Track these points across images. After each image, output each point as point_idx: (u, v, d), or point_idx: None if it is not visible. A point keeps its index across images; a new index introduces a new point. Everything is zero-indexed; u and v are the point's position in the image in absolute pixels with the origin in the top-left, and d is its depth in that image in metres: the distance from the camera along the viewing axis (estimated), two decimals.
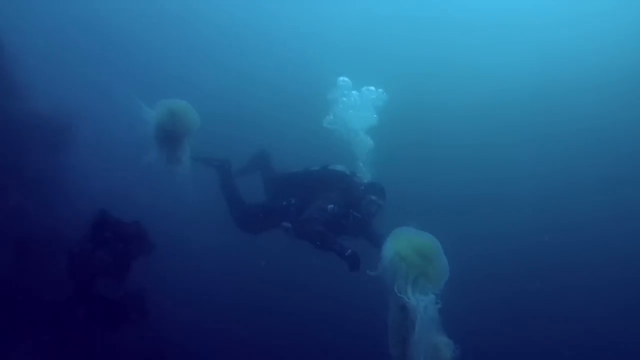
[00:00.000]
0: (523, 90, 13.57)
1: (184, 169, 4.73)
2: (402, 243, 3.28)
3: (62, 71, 11.32)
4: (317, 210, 5.09)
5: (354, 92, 6.99)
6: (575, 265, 10.52)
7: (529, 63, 13.87)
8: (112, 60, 12.76)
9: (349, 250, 4.53)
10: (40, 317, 4.88)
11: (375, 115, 6.95)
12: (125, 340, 5.07)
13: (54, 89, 9.03)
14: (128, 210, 5.34)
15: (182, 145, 4.74)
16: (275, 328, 8.34)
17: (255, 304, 8.65)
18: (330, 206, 5.15)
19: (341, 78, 7.04)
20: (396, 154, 10.51)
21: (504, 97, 13.69)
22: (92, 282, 4.29)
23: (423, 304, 3.15)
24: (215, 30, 14.96)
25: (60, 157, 7.51)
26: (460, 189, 12.27)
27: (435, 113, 13.41)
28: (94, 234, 4.37)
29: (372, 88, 7.04)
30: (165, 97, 5.03)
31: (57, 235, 5.36)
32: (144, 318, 4.79)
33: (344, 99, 6.92)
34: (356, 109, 6.81)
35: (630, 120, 12.28)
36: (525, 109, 13.40)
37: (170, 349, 6.27)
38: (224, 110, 11.88)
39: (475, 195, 12.25)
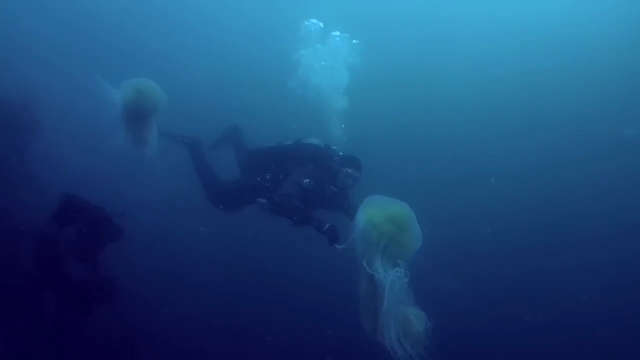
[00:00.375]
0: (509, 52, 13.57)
1: (152, 150, 4.63)
2: (375, 211, 3.21)
3: (25, 57, 10.98)
4: (293, 185, 5.02)
5: (318, 45, 6.46)
6: (554, 245, 10.68)
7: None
8: (78, 44, 12.38)
9: (328, 225, 4.47)
10: (12, 305, 4.78)
11: (345, 72, 6.47)
12: (96, 325, 5.01)
13: (17, 74, 8.81)
14: (97, 194, 5.25)
15: (150, 125, 4.64)
16: (250, 312, 8.33)
17: (230, 289, 8.61)
18: (306, 181, 5.07)
19: (311, 21, 6.44)
20: (372, 120, 10.53)
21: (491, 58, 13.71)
22: (58, 264, 4.20)
23: (392, 275, 3.11)
24: None
25: (26, 143, 7.34)
26: (440, 160, 12.32)
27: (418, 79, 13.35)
28: (59, 216, 4.25)
29: (338, 34, 6.41)
30: (131, 77, 4.97)
31: (24, 221, 5.24)
32: (113, 303, 4.72)
33: (303, 52, 6.43)
34: (325, 66, 6.32)
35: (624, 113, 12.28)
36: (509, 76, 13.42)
37: (141, 334, 6.21)
38: (193, 84, 11.73)
39: (454, 165, 12.32)
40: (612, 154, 11.90)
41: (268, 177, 5.48)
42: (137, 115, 4.53)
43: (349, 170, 5.32)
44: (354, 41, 6.55)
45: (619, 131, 11.73)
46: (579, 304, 9.35)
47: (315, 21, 6.50)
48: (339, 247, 4.07)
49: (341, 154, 5.52)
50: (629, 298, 9.20)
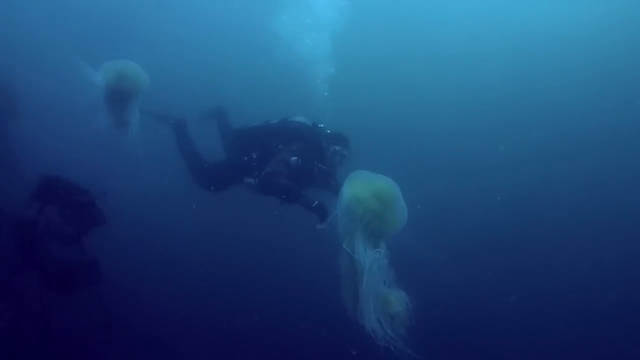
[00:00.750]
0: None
1: (133, 131, 4.62)
2: (360, 186, 3.15)
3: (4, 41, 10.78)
4: (280, 163, 4.96)
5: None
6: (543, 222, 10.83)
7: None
8: (59, 24, 12.15)
9: (316, 202, 4.42)
10: None
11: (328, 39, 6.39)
12: (78, 308, 5.01)
13: None
14: (80, 178, 5.22)
15: (131, 107, 4.62)
16: (236, 301, 8.33)
17: (213, 272, 8.57)
18: (293, 158, 5.01)
19: None
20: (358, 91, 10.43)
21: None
22: (38, 244, 4.19)
23: (372, 255, 3.08)
24: None
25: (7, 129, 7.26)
26: (429, 135, 12.27)
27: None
28: (38, 196, 4.23)
29: None
30: (114, 58, 4.93)
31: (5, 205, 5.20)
32: (96, 285, 4.72)
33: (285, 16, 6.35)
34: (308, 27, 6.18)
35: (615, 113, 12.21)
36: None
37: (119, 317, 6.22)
38: (174, 62, 11.62)
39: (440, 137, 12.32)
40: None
41: (255, 157, 5.40)
42: (119, 98, 4.52)
43: (337, 148, 5.28)
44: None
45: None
46: (570, 281, 9.44)
47: None
48: (320, 225, 4.11)
49: (329, 131, 5.47)
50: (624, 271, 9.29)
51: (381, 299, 3.12)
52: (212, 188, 5.77)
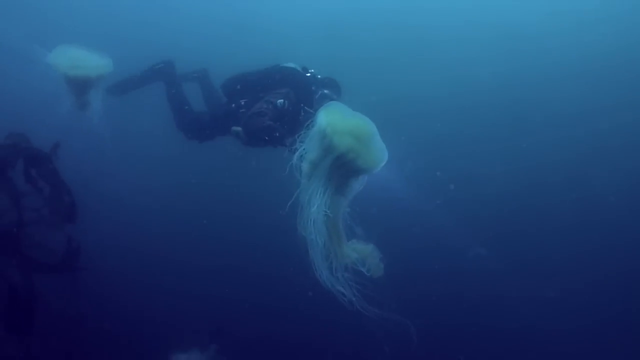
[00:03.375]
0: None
1: (95, 113, 4.68)
2: (337, 117, 2.91)
3: None
4: (265, 104, 4.79)
5: None
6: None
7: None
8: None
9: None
10: None
11: None
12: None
13: None
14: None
15: (90, 89, 4.67)
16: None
17: (196, 260, 8.63)
18: (280, 101, 4.83)
19: None
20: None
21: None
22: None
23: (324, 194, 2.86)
24: None
25: None
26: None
27: None
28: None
29: None
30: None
31: None
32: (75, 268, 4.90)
33: None
34: None
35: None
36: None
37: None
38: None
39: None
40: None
41: (243, 103, 5.20)
42: (75, 82, 4.55)
43: (326, 92, 5.15)
44: None
45: None
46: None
47: None
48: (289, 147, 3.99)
49: (319, 76, 5.33)
50: None
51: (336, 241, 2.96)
52: (197, 139, 5.60)
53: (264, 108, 4.70)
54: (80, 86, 4.67)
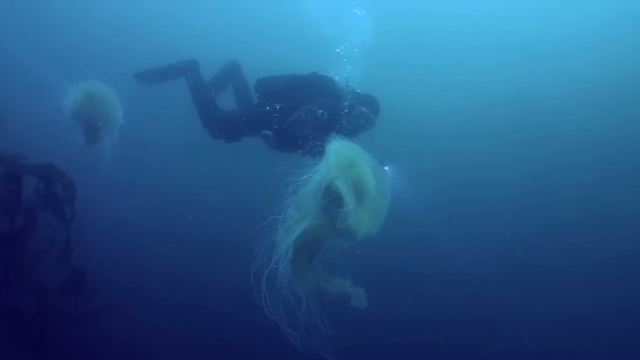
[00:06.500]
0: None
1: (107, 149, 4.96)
2: (347, 162, 2.85)
3: None
4: (306, 112, 4.74)
5: None
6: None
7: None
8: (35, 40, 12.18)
9: None
10: None
11: None
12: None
13: None
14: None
15: (103, 125, 4.94)
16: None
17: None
18: (320, 111, 4.78)
19: None
20: None
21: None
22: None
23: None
24: None
25: None
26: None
27: None
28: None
29: None
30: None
31: None
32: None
33: None
34: None
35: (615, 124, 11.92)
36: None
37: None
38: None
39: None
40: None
41: (278, 107, 5.10)
42: (88, 119, 4.83)
43: (364, 109, 5.05)
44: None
45: None
46: None
47: None
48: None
49: (359, 91, 5.23)
50: None
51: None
52: (224, 138, 5.45)
53: (304, 117, 4.70)
54: (94, 122, 4.95)
